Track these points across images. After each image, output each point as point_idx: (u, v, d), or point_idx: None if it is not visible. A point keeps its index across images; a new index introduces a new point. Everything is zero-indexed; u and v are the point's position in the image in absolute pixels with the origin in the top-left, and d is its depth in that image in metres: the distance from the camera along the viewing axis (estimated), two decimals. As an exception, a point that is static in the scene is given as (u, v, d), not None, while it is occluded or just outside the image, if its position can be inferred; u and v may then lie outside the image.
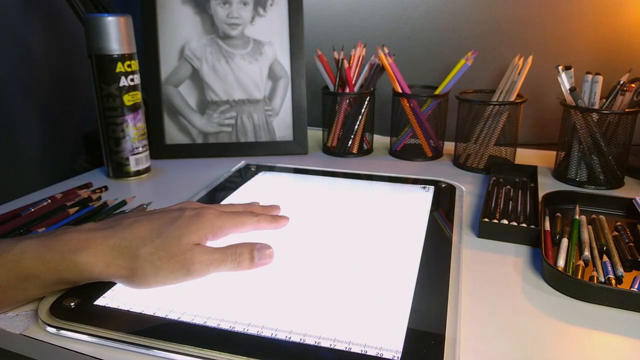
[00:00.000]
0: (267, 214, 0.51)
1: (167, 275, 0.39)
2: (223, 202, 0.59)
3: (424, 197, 0.60)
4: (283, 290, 0.40)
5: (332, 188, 0.64)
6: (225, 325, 0.35)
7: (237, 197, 0.61)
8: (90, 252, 0.38)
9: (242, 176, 0.68)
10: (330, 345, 0.33)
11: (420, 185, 0.64)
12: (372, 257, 0.46)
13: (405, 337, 0.34)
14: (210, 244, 0.44)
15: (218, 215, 0.45)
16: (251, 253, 0.42)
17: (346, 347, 0.33)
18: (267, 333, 0.34)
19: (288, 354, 0.33)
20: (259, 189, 0.64)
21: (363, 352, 0.32)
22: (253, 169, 0.71)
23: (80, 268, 0.37)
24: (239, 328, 0.35)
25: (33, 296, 0.38)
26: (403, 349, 0.33)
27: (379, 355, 0.32)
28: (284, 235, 0.50)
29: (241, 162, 0.75)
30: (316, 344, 0.33)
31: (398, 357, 0.32)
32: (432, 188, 0.63)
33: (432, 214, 0.55)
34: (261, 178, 0.68)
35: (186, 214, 0.43)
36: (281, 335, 0.34)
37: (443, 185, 0.64)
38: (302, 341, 0.34)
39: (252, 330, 0.35)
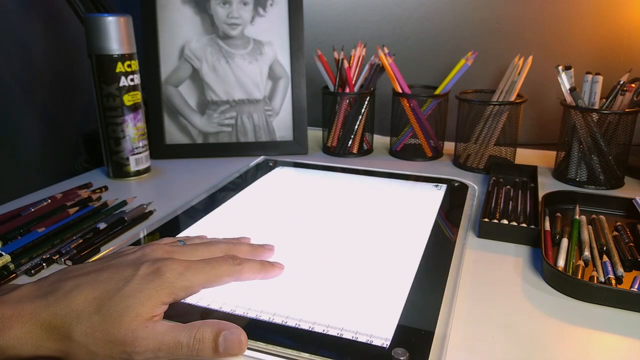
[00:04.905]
0: (256, 258, 0.43)
1: None
2: (241, 193, 0.61)
3: (435, 195, 0.61)
4: (284, 277, 0.42)
5: (348, 184, 0.65)
6: (226, 309, 0.37)
7: (253, 191, 0.63)
8: (15, 332, 0.31)
9: (250, 175, 0.70)
10: (324, 330, 0.35)
11: (433, 184, 0.65)
12: (377, 250, 0.47)
13: (397, 327, 0.35)
14: None
15: (184, 269, 0.36)
16: (215, 340, 0.32)
17: (338, 333, 0.34)
18: (264, 317, 0.36)
19: (283, 337, 0.34)
20: (276, 183, 0.66)
21: (354, 338, 0.34)
22: (271, 164, 0.73)
23: (4, 351, 0.31)
24: (239, 312, 0.37)
25: None
26: (393, 337, 0.34)
27: (369, 342, 0.34)
28: (296, 226, 0.52)
29: (260, 158, 0.78)
30: (310, 329, 0.35)
31: (387, 345, 0.33)
32: (444, 186, 0.64)
33: (440, 212, 0.56)
34: (279, 172, 0.70)
35: (140, 273, 0.34)
36: (278, 320, 0.36)
37: (456, 184, 0.65)
38: (297, 326, 0.35)
39: (252, 314, 0.37)
